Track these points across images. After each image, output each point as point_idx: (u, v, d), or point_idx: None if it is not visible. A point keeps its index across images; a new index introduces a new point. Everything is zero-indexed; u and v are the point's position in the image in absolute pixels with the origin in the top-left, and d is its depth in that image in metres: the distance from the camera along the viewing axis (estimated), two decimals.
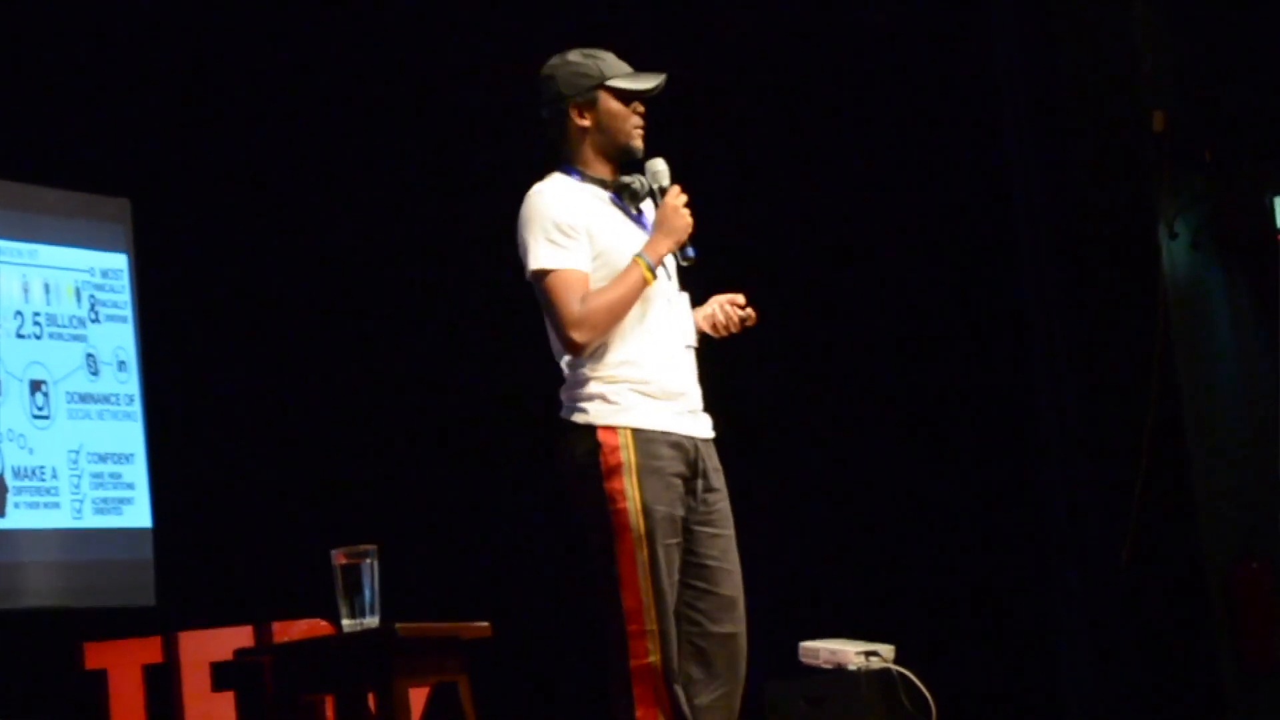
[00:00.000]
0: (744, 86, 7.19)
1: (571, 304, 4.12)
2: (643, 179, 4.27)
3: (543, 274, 4.15)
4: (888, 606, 6.74)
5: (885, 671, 5.83)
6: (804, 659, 5.92)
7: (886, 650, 5.90)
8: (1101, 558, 6.63)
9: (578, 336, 4.13)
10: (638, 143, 4.27)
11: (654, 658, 4.08)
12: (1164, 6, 6.84)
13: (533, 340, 4.77)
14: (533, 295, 4.25)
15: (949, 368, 6.96)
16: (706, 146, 6.88)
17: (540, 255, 4.15)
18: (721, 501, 4.27)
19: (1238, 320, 6.89)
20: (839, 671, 5.84)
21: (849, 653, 5.86)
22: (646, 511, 4.10)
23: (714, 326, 4.39)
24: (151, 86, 7.34)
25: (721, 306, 4.38)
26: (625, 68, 4.28)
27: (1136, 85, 6.73)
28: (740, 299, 4.39)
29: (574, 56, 4.28)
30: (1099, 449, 6.68)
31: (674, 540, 4.14)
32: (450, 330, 7.58)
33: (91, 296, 7.22)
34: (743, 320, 4.37)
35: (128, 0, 7.27)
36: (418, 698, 4.38)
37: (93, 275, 7.24)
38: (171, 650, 5.57)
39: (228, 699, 5.48)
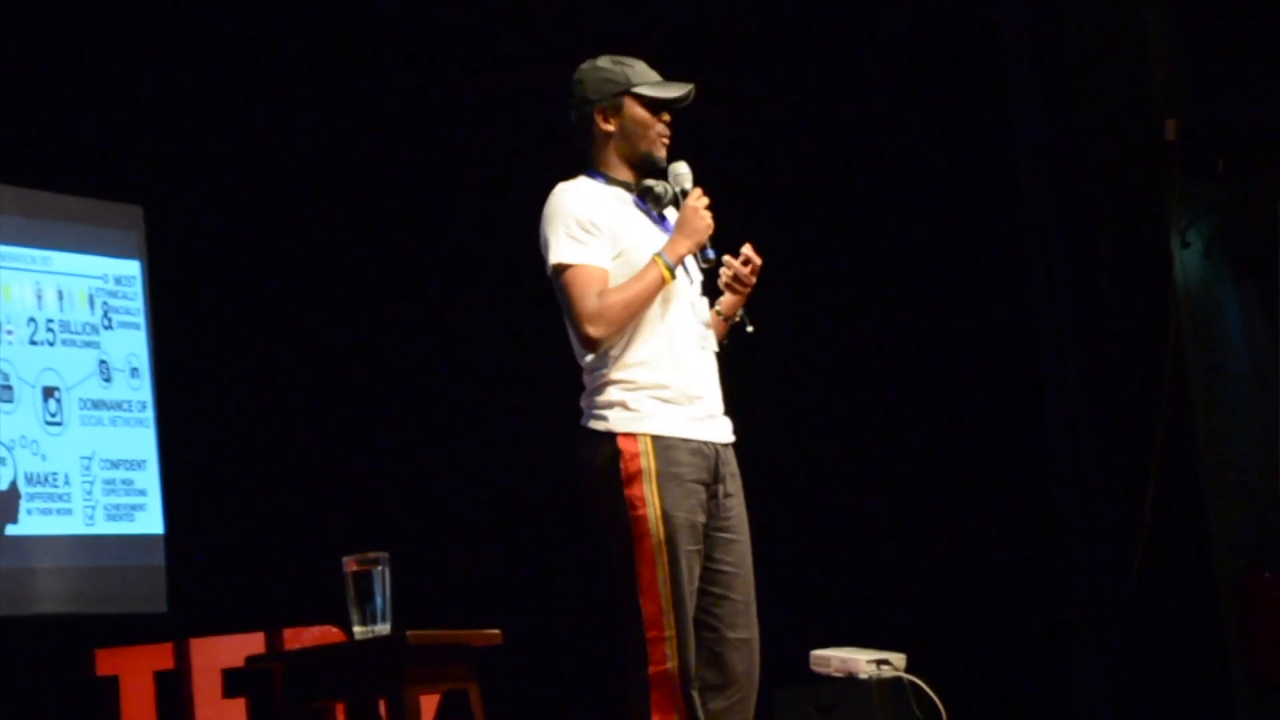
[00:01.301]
0: (762, 92, 7.20)
1: (588, 299, 4.13)
2: (666, 183, 4.29)
3: (562, 268, 4.16)
4: (899, 615, 6.74)
5: (896, 680, 5.82)
6: (815, 667, 5.91)
7: (898, 659, 5.89)
8: (1113, 568, 6.63)
9: (592, 331, 4.14)
10: (661, 151, 4.28)
11: (672, 664, 4.08)
12: (1176, 16, 6.85)
13: (545, 346, 4.77)
14: (548, 300, 4.26)
15: (961, 378, 6.96)
16: (724, 155, 6.88)
17: (561, 250, 4.17)
18: (738, 507, 4.27)
19: (1249, 329, 6.89)
20: (850, 680, 5.84)
21: (860, 661, 5.85)
22: (667, 518, 4.11)
23: (733, 291, 4.32)
24: (164, 94, 7.36)
25: (730, 275, 4.32)
26: (654, 76, 4.30)
27: (1149, 95, 6.74)
28: (742, 255, 4.33)
29: (604, 62, 4.30)
30: (1111, 459, 6.67)
31: (694, 547, 4.15)
32: (462, 336, 7.59)
33: (105, 303, 7.23)
34: (747, 264, 4.31)
35: (141, 8, 7.29)
36: (429, 705, 4.39)
37: (106, 282, 7.25)
38: (183, 657, 5.58)
39: (239, 706, 5.48)
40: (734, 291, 4.34)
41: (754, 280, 4.33)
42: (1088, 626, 6.66)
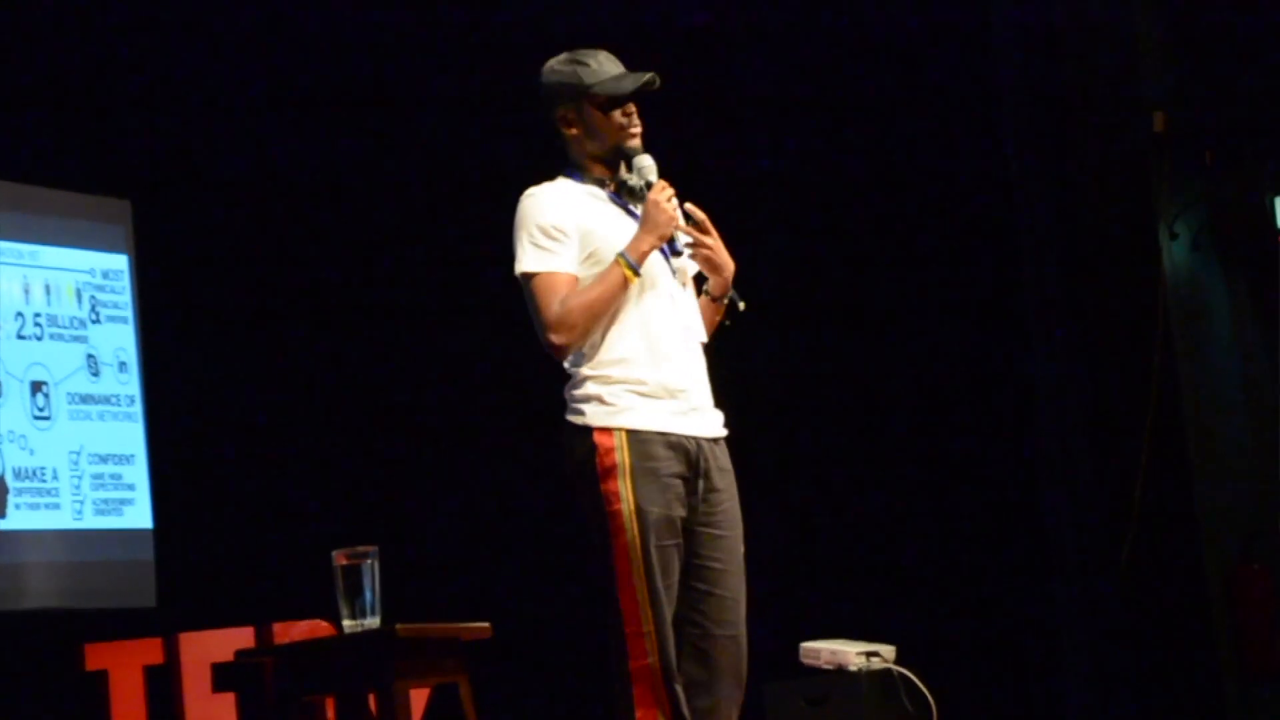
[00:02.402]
0: (751, 88, 7.19)
1: (551, 306, 4.11)
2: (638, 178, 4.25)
3: (527, 277, 4.15)
4: (889, 607, 6.74)
5: (886, 672, 5.82)
6: (805, 659, 5.91)
7: (887, 651, 5.89)
8: (1102, 560, 6.63)
9: (555, 338, 4.13)
10: (632, 141, 4.22)
11: (652, 658, 4.06)
12: (1164, 8, 6.85)
13: (533, 341, 4.76)
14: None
15: (950, 370, 6.96)
16: (714, 154, 6.88)
17: (525, 259, 4.15)
18: (726, 502, 4.22)
19: (1238, 321, 6.89)
20: (840, 672, 5.84)
21: (850, 653, 5.85)
22: (640, 514, 4.08)
23: (702, 259, 4.28)
24: (152, 88, 7.35)
25: (698, 248, 4.30)
26: (613, 69, 4.22)
27: (1137, 86, 6.74)
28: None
29: (559, 64, 4.24)
30: (1099, 451, 6.68)
31: (671, 542, 4.11)
32: (451, 330, 7.58)
33: (92, 297, 7.22)
34: (689, 218, 4.22)
35: (128, 3, 7.27)
36: (418, 698, 4.38)
37: (93, 276, 7.24)
38: (172, 651, 5.57)
39: (228, 700, 5.46)
40: (702, 258, 4.26)
41: (711, 239, 4.22)
42: (1077, 618, 6.67)
